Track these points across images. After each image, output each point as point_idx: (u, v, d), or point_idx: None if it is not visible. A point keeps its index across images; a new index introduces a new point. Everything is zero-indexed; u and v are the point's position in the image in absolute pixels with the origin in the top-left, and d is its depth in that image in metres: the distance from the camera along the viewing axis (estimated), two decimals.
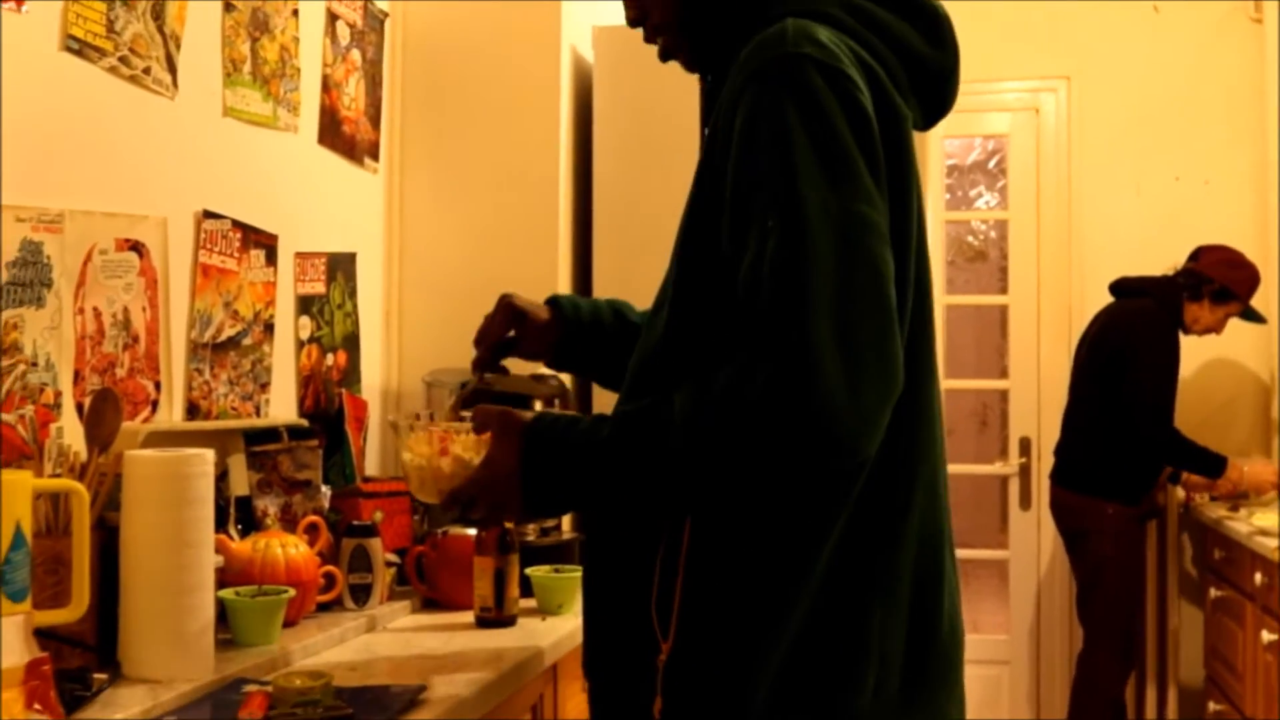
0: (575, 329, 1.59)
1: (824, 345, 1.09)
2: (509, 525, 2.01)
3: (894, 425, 1.18)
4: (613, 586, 1.33)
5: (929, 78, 1.32)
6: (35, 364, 1.73)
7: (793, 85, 1.16)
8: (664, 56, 1.42)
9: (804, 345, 1.09)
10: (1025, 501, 4.61)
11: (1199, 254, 3.99)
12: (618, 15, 1.44)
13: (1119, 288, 4.06)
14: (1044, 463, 4.53)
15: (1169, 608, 4.25)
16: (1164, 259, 4.14)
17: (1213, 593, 3.91)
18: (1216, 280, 3.90)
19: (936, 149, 3.53)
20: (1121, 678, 3.94)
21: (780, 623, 1.21)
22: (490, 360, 1.57)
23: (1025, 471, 4.60)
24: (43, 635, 1.40)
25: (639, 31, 1.42)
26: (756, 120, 1.18)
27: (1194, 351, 4.08)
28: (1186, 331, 3.94)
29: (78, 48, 1.82)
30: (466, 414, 1.39)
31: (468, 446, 1.37)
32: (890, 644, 1.23)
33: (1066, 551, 4.11)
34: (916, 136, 1.47)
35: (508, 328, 1.56)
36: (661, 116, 2.76)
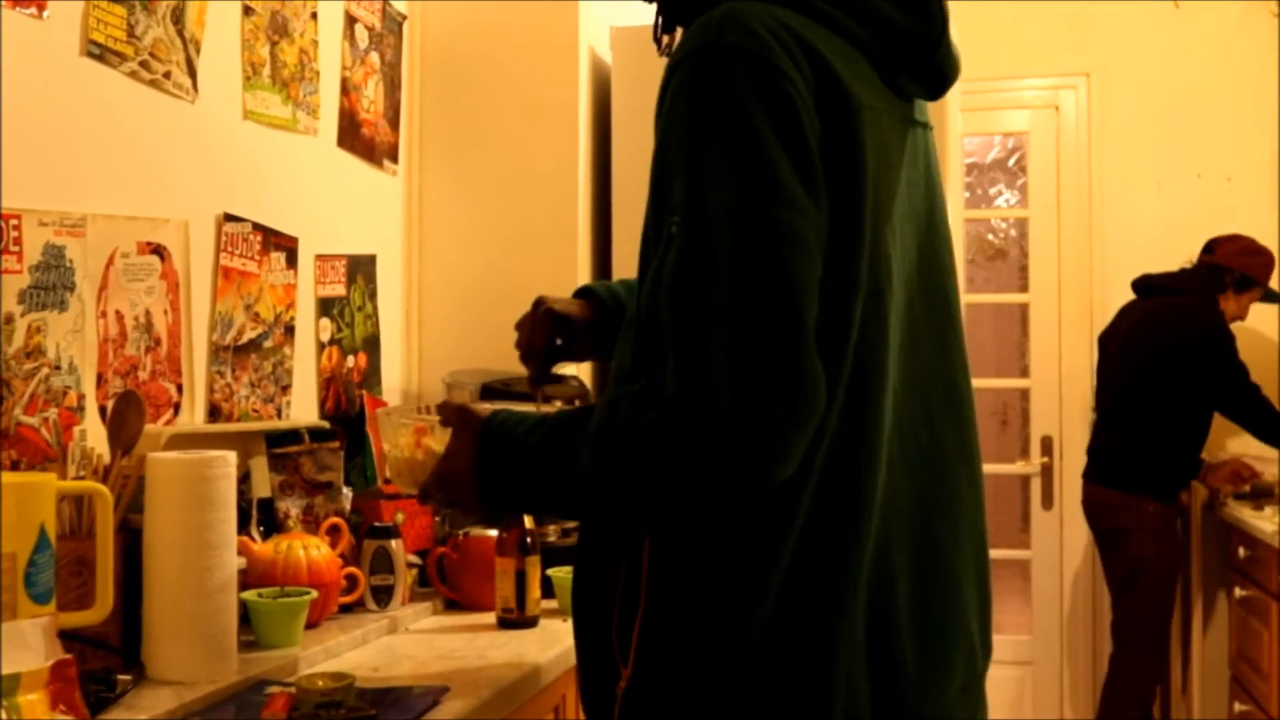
0: (615, 318, 1.51)
1: (719, 365, 1.03)
2: (526, 524, 2.02)
3: (842, 441, 1.12)
4: (582, 610, 1.29)
5: (914, 50, 1.23)
6: (58, 367, 1.74)
7: (711, 79, 1.09)
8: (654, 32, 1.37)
9: (700, 365, 1.04)
10: (1047, 501, 4.59)
11: (1213, 247, 3.99)
12: (635, 16, 1.43)
13: (1145, 285, 4.04)
14: (1066, 462, 4.52)
15: (1193, 607, 4.23)
16: (1185, 256, 4.12)
17: (1237, 592, 3.89)
18: (1236, 269, 3.92)
19: (956, 147, 3.51)
20: (1152, 678, 3.92)
21: (736, 652, 1.14)
22: (546, 374, 1.51)
23: (1047, 471, 4.57)
24: (67, 637, 1.40)
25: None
26: (672, 116, 1.12)
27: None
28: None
29: (99, 52, 1.83)
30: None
31: (440, 439, 1.36)
32: (855, 669, 1.16)
33: (1100, 551, 4.09)
34: (937, 130, 1.43)
35: (554, 336, 1.50)
36: None
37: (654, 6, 1.36)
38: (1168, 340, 3.88)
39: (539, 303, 1.51)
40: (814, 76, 1.12)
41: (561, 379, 1.55)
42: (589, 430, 1.14)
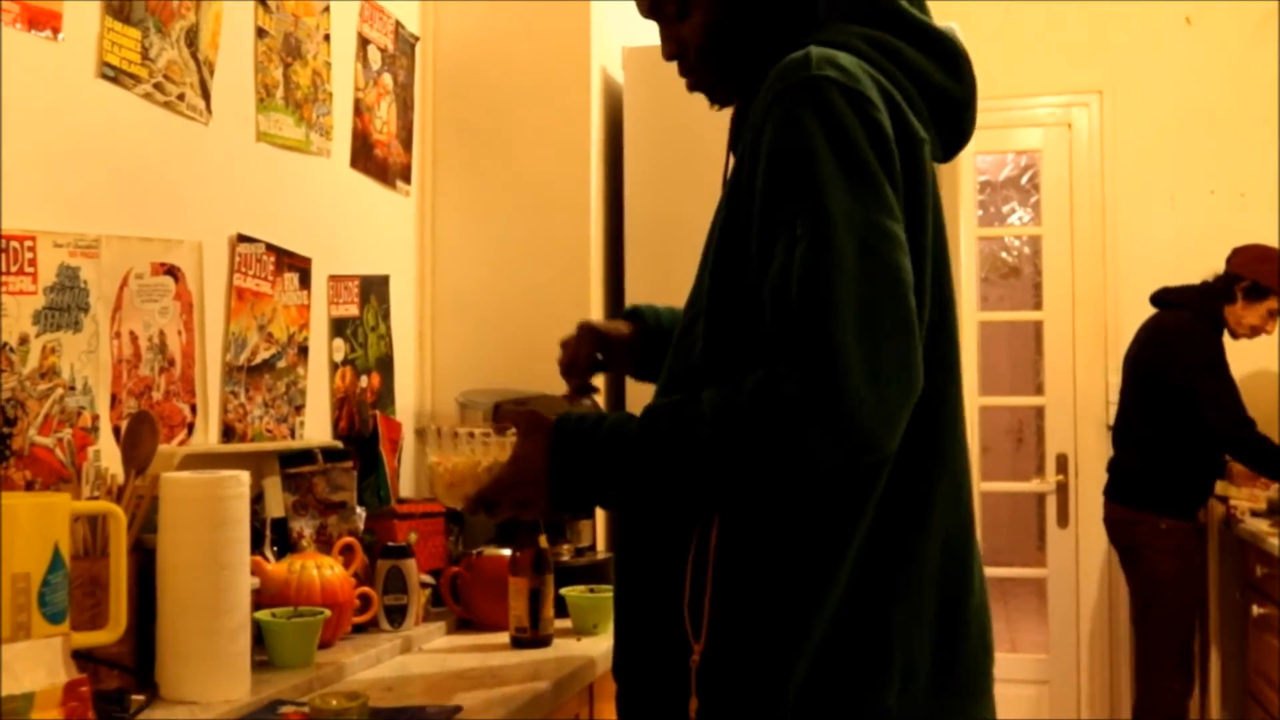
0: (655, 337, 1.64)
1: (849, 347, 1.14)
2: (540, 543, 2.01)
3: (913, 431, 1.22)
4: (644, 589, 1.36)
5: (947, 108, 1.36)
6: (73, 388, 1.74)
7: (816, 104, 1.22)
8: (692, 87, 1.47)
9: (830, 347, 1.14)
10: (1063, 519, 4.57)
11: (1231, 256, 3.97)
12: (647, 36, 1.46)
13: (1158, 299, 4.04)
14: (1082, 480, 4.50)
15: (1210, 625, 4.20)
16: (1200, 272, 4.11)
17: (1255, 610, 3.86)
18: (1246, 277, 3.88)
19: (968, 165, 3.52)
20: (1181, 695, 3.87)
21: (807, 625, 1.24)
22: (584, 387, 1.62)
23: (1063, 489, 4.56)
24: (81, 657, 1.40)
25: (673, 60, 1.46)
26: (783, 137, 1.23)
27: (1242, 358, 4.02)
28: (1234, 335, 3.90)
29: (113, 75, 1.84)
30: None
31: (495, 450, 1.40)
32: (915, 648, 1.26)
33: (1122, 567, 4.07)
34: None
35: (593, 352, 1.62)
36: (692, 136, 2.76)
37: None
38: (1157, 357, 3.88)
39: (582, 323, 1.64)
40: (889, 110, 1.25)
41: (595, 390, 1.64)
42: (701, 411, 1.21)
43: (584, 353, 1.62)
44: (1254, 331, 3.92)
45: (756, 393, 1.18)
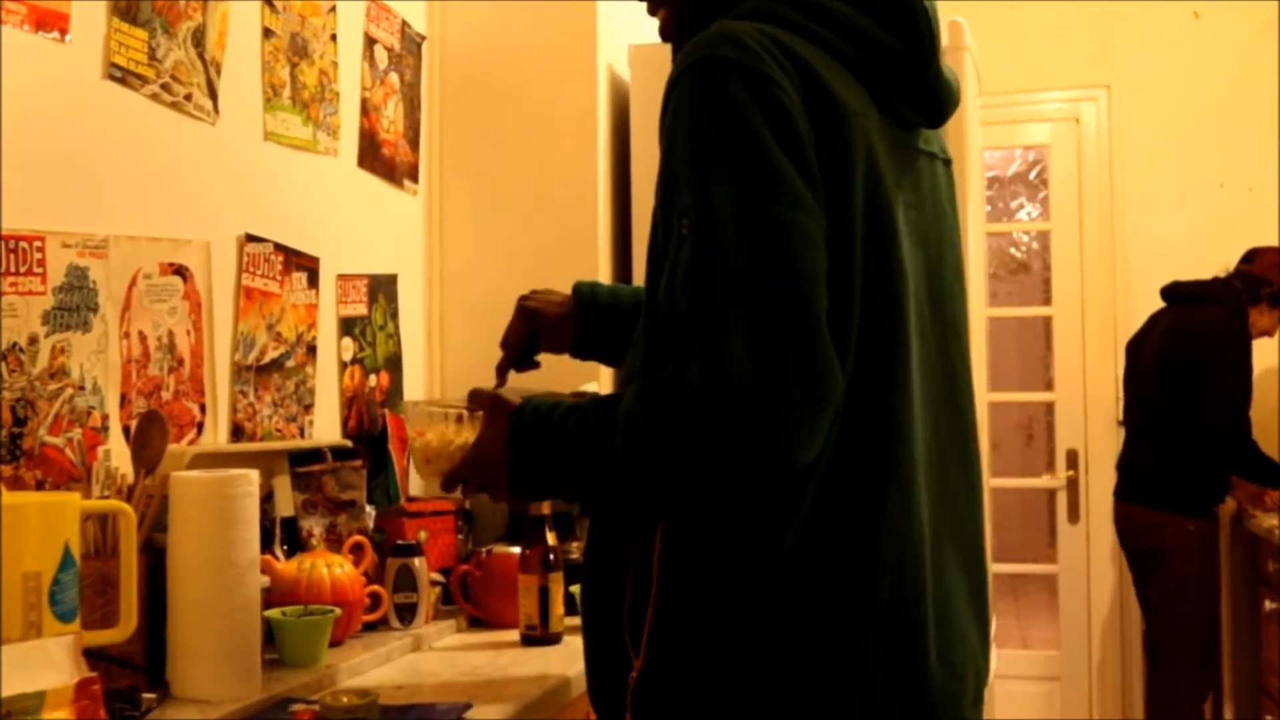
0: (591, 316, 1.61)
1: (738, 356, 1.08)
2: (549, 540, 2.01)
3: (854, 434, 1.16)
4: (593, 599, 1.32)
5: (902, 68, 1.27)
6: (82, 388, 1.75)
7: (706, 90, 1.15)
8: (662, 36, 1.42)
9: (721, 356, 1.08)
10: (1074, 515, 4.56)
11: (1253, 257, 3.93)
12: (654, 34, 1.45)
13: (1175, 293, 3.97)
14: (1092, 475, 4.49)
15: (1223, 621, 4.19)
16: (1209, 267, 4.09)
17: (1267, 605, 3.85)
18: (1275, 282, 3.84)
19: (976, 161, 3.51)
20: (1199, 697, 3.84)
21: (744, 647, 1.17)
22: (509, 363, 1.61)
23: (1073, 485, 4.55)
24: (92, 656, 1.41)
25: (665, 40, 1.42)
26: (675, 126, 1.18)
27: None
28: (1250, 343, 3.88)
29: (120, 75, 1.84)
30: None
31: (468, 429, 1.40)
32: (870, 672, 1.17)
33: (1134, 571, 4.00)
34: (956, 142, 1.46)
35: (527, 329, 1.61)
36: None
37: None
38: (1188, 349, 3.81)
39: (521, 298, 1.63)
40: (804, 85, 1.17)
41: (536, 365, 1.64)
42: (618, 415, 1.17)
43: (514, 328, 1.61)
44: (1262, 334, 3.91)
45: (656, 403, 1.14)
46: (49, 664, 1.26)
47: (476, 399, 1.36)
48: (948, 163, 1.42)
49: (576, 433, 1.22)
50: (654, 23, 1.49)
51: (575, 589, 2.10)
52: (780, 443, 1.09)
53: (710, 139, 1.14)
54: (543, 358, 1.68)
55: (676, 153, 1.18)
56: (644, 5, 1.43)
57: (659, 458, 1.15)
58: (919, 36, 1.27)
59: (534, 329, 1.62)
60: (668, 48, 1.44)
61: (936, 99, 1.32)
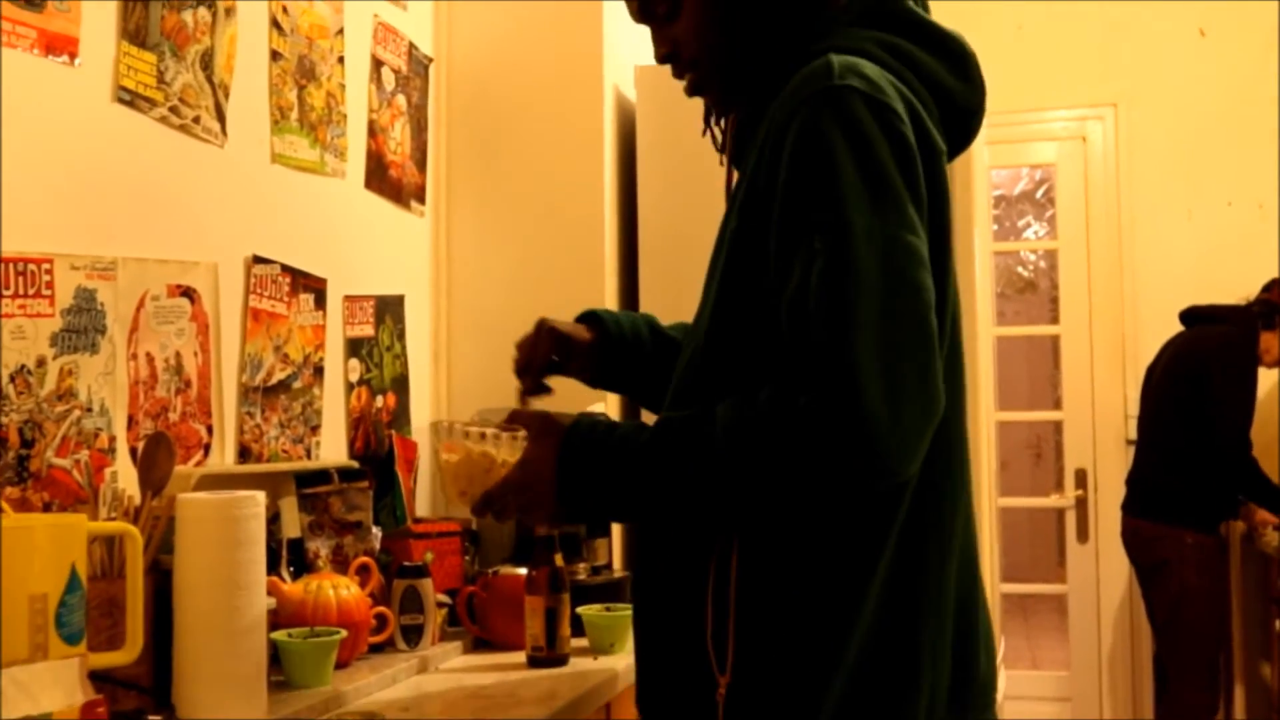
0: (618, 345, 1.60)
1: (868, 367, 1.11)
2: (556, 561, 2.01)
3: (934, 450, 1.20)
4: (664, 618, 1.32)
5: (957, 113, 1.33)
6: (90, 409, 1.75)
7: (839, 116, 1.18)
8: (692, 92, 1.43)
9: (849, 366, 1.11)
10: (1083, 534, 4.54)
11: (1272, 285, 3.96)
12: None
13: (1192, 316, 4.02)
14: (1101, 494, 4.47)
15: (1234, 639, 4.16)
16: (1218, 285, 4.09)
17: (1278, 623, 3.83)
18: None
19: (983, 180, 3.51)
20: (1209, 712, 3.84)
21: (837, 653, 1.21)
22: (534, 388, 1.58)
23: (1082, 504, 4.53)
24: (98, 678, 1.40)
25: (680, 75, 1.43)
26: (804, 149, 1.20)
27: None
28: (1260, 361, 3.89)
29: (129, 99, 1.85)
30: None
31: (505, 450, 1.37)
32: (939, 670, 1.25)
33: (1141, 585, 4.03)
34: (961, 164, 1.50)
35: (550, 353, 1.57)
36: (704, 153, 2.75)
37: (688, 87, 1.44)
38: (1198, 366, 3.85)
39: (541, 322, 1.59)
40: (911, 120, 1.22)
41: (549, 390, 1.59)
42: (714, 426, 1.18)
43: (540, 353, 1.57)
44: (1276, 364, 3.92)
45: (772, 409, 1.15)
46: (55, 686, 1.26)
47: (520, 418, 1.35)
48: None
49: (654, 444, 1.22)
50: None
51: (582, 610, 2.10)
52: (892, 455, 1.12)
53: (846, 163, 1.17)
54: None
55: (805, 174, 1.20)
56: (627, 10, 1.45)
57: (769, 467, 1.16)
58: (974, 83, 1.35)
59: (560, 353, 1.58)
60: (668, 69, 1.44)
61: (970, 142, 1.40)
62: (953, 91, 1.32)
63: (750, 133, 1.34)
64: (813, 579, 1.22)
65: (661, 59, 1.43)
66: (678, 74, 1.42)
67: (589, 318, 1.62)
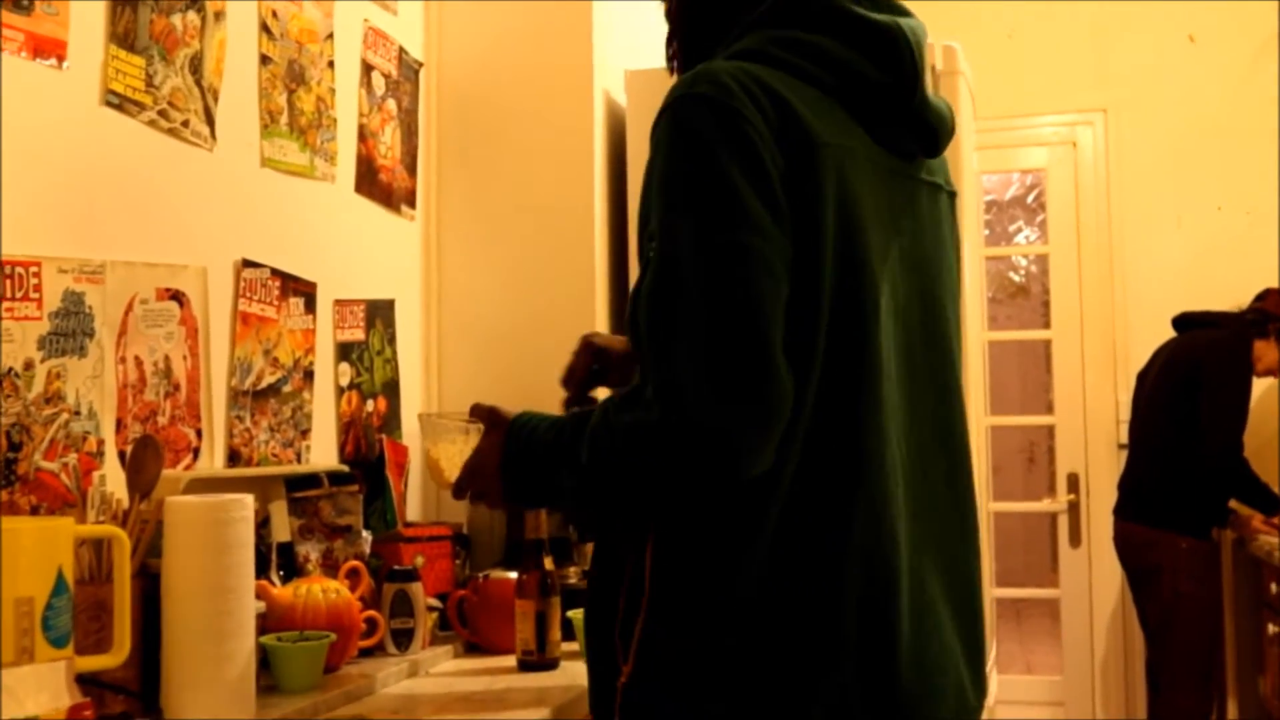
0: None
1: (691, 375, 1.15)
2: (546, 565, 2.01)
3: (818, 448, 1.20)
4: (591, 610, 1.38)
5: (886, 100, 1.32)
6: (78, 413, 1.75)
7: (680, 124, 1.23)
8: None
9: (674, 375, 1.16)
10: (1075, 539, 4.54)
11: (1266, 294, 3.97)
12: (650, 59, 1.48)
13: (1185, 321, 4.02)
14: (1093, 499, 4.48)
15: (1226, 645, 4.17)
16: (1208, 289, 4.10)
17: (1270, 629, 3.83)
18: None
19: (974, 186, 3.51)
20: (1200, 718, 3.84)
21: (714, 649, 1.22)
22: (579, 399, 1.63)
23: (1074, 508, 4.53)
24: (86, 681, 1.40)
25: (671, 74, 1.47)
26: (651, 158, 1.26)
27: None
28: (1252, 369, 3.89)
29: (118, 102, 1.85)
30: None
31: (472, 440, 1.47)
32: (841, 675, 1.20)
33: (1133, 590, 4.02)
34: (951, 169, 1.49)
35: (591, 364, 1.63)
36: None
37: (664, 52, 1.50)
38: (1190, 368, 3.85)
39: (583, 336, 1.66)
40: (778, 118, 1.23)
41: (594, 402, 1.65)
42: (586, 428, 1.25)
43: (580, 364, 1.63)
44: (1268, 371, 3.93)
45: (615, 416, 1.21)
46: (41, 689, 1.25)
47: (477, 412, 1.43)
48: (952, 195, 1.47)
49: (554, 445, 1.29)
50: (649, 49, 1.53)
51: (573, 614, 2.10)
52: (726, 458, 1.15)
53: (678, 170, 1.22)
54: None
55: (650, 182, 1.26)
56: (641, 34, 1.49)
57: (617, 471, 1.23)
58: (901, 68, 1.32)
59: (600, 365, 1.64)
60: (664, 73, 1.51)
61: (929, 128, 1.38)
62: (871, 79, 1.31)
63: None
64: (690, 576, 1.24)
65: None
66: (668, 43, 1.49)
67: None
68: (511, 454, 1.33)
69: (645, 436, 1.18)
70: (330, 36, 2.44)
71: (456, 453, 1.48)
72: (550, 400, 1.65)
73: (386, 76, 2.67)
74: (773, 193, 1.20)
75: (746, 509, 1.21)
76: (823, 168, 1.23)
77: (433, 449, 1.54)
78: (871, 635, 1.22)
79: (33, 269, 1.67)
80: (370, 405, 2.56)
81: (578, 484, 1.26)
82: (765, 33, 1.31)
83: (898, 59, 1.32)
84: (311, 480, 2.10)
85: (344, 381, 2.47)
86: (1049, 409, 4.71)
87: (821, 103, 1.27)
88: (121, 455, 1.80)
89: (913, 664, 1.24)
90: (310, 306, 2.33)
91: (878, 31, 1.32)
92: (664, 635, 1.25)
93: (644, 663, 1.26)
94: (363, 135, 2.56)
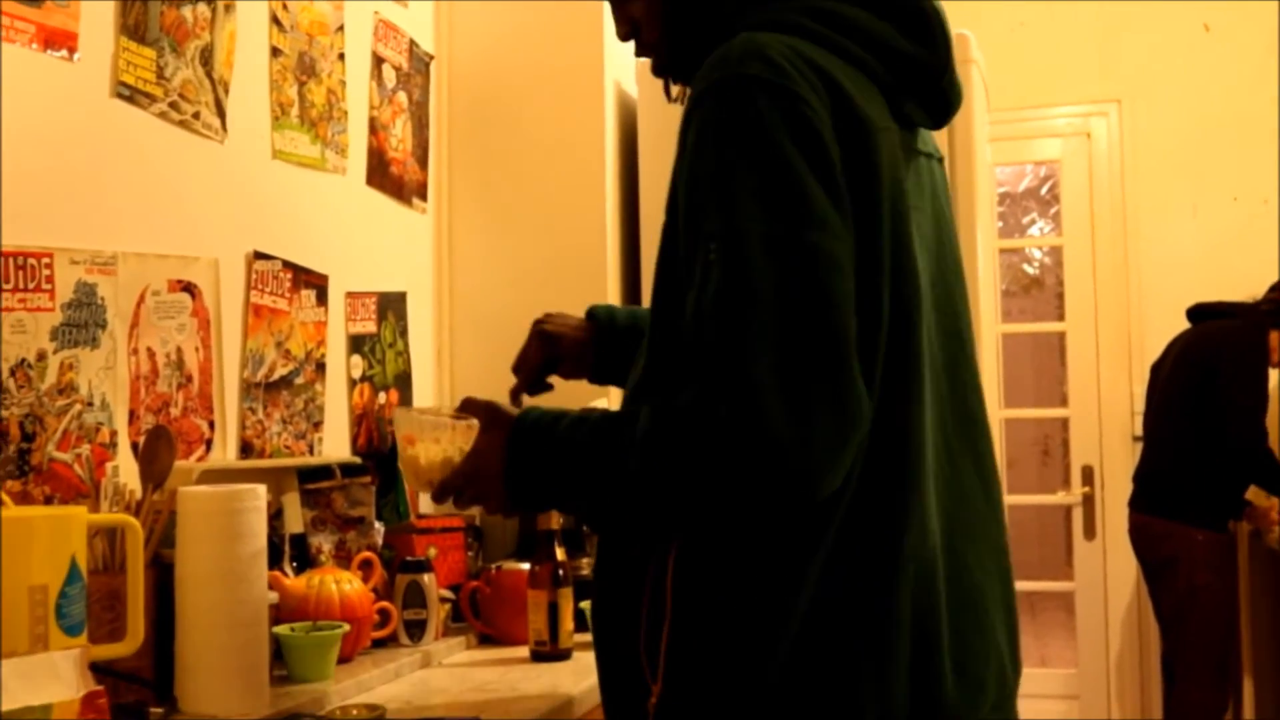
0: (616, 340, 1.59)
1: (769, 389, 1.06)
2: (558, 556, 2.01)
3: (877, 462, 1.14)
4: (607, 623, 1.30)
5: (919, 76, 1.26)
6: (91, 404, 1.75)
7: (735, 109, 1.13)
8: (655, 72, 1.40)
9: (747, 384, 1.06)
10: (1090, 532, 4.53)
11: None
12: None
13: (1200, 312, 4.00)
14: (1108, 491, 4.46)
15: (1242, 637, 4.15)
16: (1223, 280, 4.08)
17: None
18: None
19: (987, 177, 3.49)
20: (1218, 711, 3.82)
21: (760, 669, 1.15)
22: (524, 387, 1.60)
23: (1089, 501, 4.52)
24: (99, 670, 1.40)
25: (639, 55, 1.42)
26: (700, 147, 1.15)
27: None
28: (1269, 359, 3.87)
29: (129, 94, 1.85)
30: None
31: (464, 436, 1.34)
32: (891, 691, 1.16)
33: (1148, 582, 4.00)
34: (966, 160, 1.46)
35: (544, 353, 1.59)
36: None
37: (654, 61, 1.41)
38: (1208, 358, 3.82)
39: (536, 322, 1.61)
40: (831, 101, 1.15)
41: (550, 387, 1.62)
42: (635, 435, 1.15)
43: (534, 352, 1.59)
44: None
45: (680, 429, 1.11)
46: (55, 677, 1.25)
47: (471, 407, 1.32)
48: (940, 160, 1.41)
49: (587, 445, 1.19)
50: None
51: (585, 605, 2.09)
52: (804, 476, 1.07)
53: (739, 161, 1.12)
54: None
55: (701, 174, 1.15)
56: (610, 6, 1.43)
57: (678, 483, 1.12)
58: (934, 42, 1.26)
59: (553, 354, 1.60)
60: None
61: (946, 102, 1.32)
62: (909, 54, 1.24)
63: None
64: (738, 592, 1.17)
65: (623, 37, 1.41)
66: (639, 53, 1.40)
67: (588, 314, 1.63)
68: (521, 453, 1.23)
69: (716, 450, 1.08)
70: (341, 29, 2.44)
71: (440, 451, 1.34)
72: (565, 394, 1.65)
73: (397, 69, 2.67)
74: (836, 184, 1.12)
75: (810, 522, 1.15)
76: (879, 153, 1.17)
77: (410, 446, 1.37)
78: (920, 644, 1.17)
79: (45, 260, 1.68)
80: (382, 397, 2.56)
81: (615, 489, 1.17)
82: (794, 2, 1.23)
83: (930, 32, 1.26)
84: (324, 472, 2.10)
85: (356, 374, 2.47)
86: (1063, 402, 4.70)
87: (861, 81, 1.20)
88: (134, 446, 1.80)
89: (956, 666, 1.20)
90: (322, 299, 2.33)
91: (912, 3, 1.26)
92: (699, 654, 1.18)
93: (678, 681, 1.19)
94: (374, 128, 2.56)
